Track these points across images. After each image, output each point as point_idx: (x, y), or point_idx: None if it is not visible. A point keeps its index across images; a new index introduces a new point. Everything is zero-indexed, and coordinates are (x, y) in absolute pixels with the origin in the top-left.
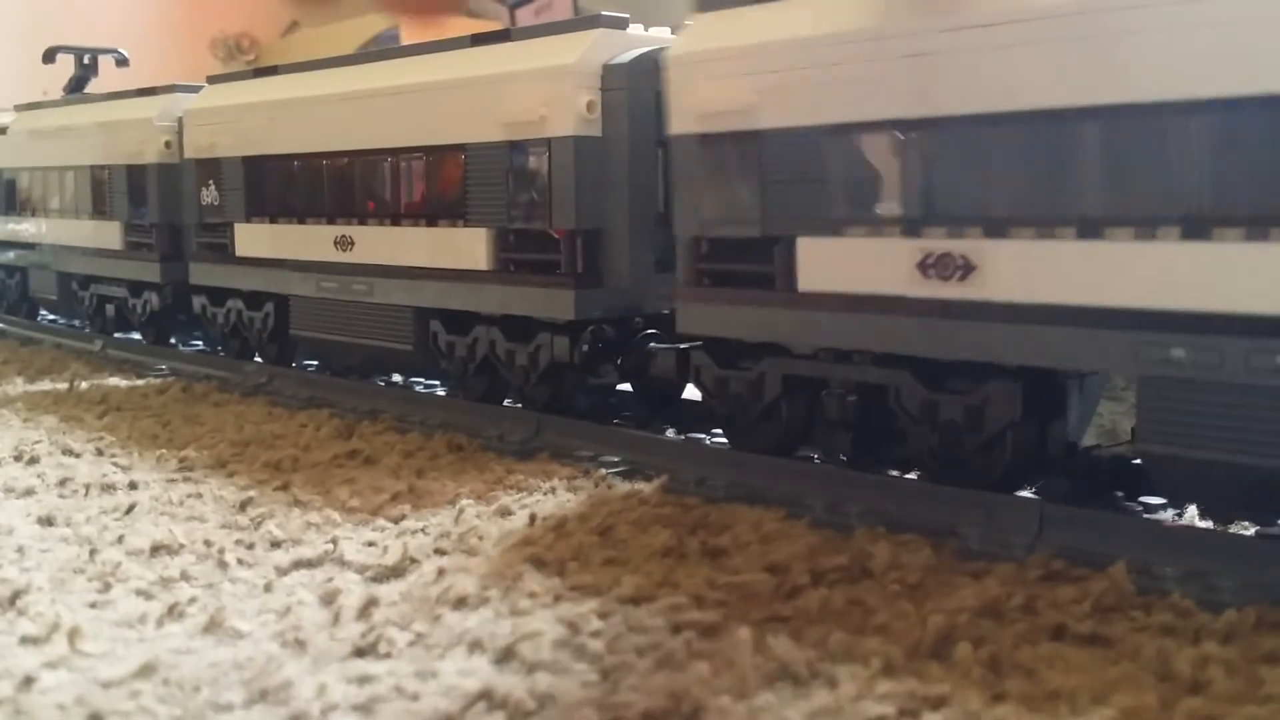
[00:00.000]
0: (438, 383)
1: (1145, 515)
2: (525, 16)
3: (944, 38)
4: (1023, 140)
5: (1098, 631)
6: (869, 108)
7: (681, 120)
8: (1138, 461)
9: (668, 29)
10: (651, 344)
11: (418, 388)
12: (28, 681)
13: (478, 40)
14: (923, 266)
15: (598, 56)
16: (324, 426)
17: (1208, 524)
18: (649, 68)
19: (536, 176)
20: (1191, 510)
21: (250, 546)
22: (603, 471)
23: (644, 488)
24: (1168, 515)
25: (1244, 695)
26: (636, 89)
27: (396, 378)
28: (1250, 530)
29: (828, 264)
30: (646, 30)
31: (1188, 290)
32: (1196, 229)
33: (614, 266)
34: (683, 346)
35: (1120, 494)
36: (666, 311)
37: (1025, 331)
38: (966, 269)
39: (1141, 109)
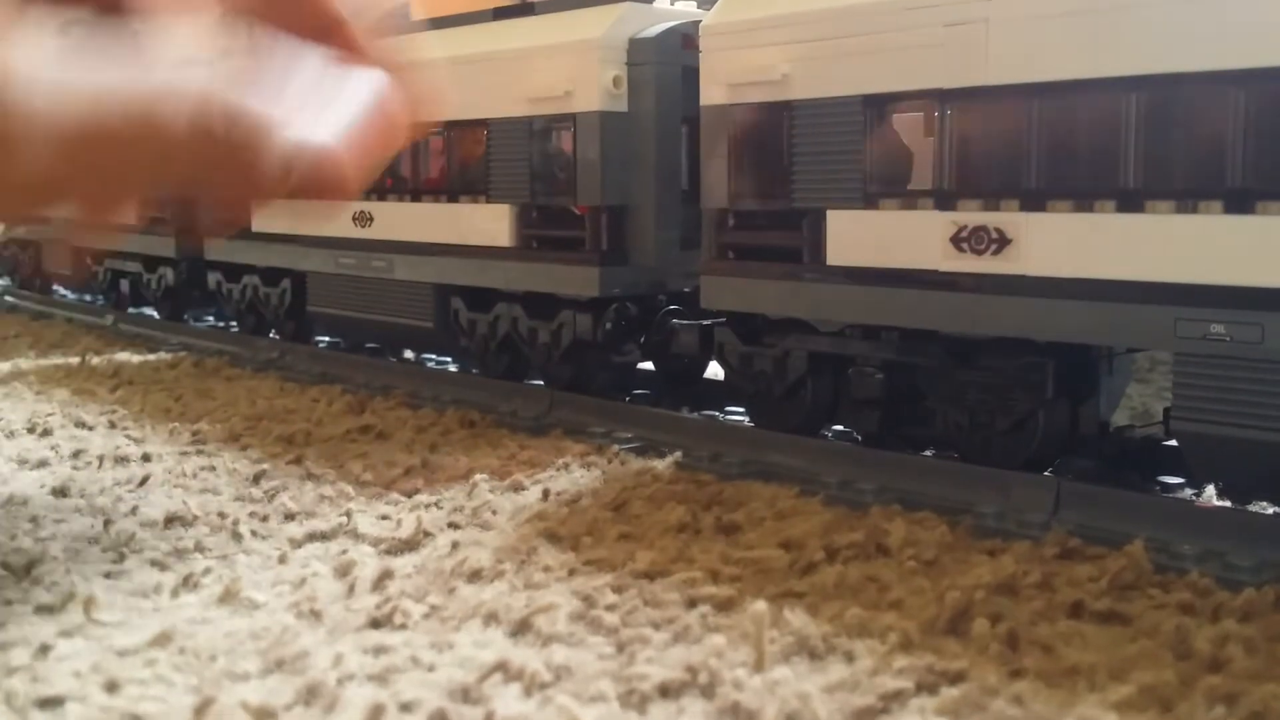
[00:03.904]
0: (449, 359)
1: (1163, 494)
2: None
3: (985, 6)
4: (1062, 111)
5: (1115, 609)
6: (905, 78)
7: (713, 91)
8: (1168, 443)
9: (694, 3)
10: (674, 320)
11: (430, 364)
12: (44, 649)
13: (500, 14)
14: (956, 240)
15: (624, 31)
16: (336, 402)
17: (1226, 503)
18: (676, 42)
19: (561, 152)
20: (1209, 489)
21: (264, 519)
22: (616, 448)
23: (658, 464)
24: (1186, 494)
25: (1263, 673)
26: (663, 64)
27: (408, 354)
28: (1268, 510)
29: (858, 237)
30: (673, 4)
31: (1229, 264)
32: (1239, 202)
33: (639, 243)
34: (706, 323)
35: (1138, 473)
36: (688, 290)
37: (1061, 307)
38: (1001, 242)
39: (1184, 79)
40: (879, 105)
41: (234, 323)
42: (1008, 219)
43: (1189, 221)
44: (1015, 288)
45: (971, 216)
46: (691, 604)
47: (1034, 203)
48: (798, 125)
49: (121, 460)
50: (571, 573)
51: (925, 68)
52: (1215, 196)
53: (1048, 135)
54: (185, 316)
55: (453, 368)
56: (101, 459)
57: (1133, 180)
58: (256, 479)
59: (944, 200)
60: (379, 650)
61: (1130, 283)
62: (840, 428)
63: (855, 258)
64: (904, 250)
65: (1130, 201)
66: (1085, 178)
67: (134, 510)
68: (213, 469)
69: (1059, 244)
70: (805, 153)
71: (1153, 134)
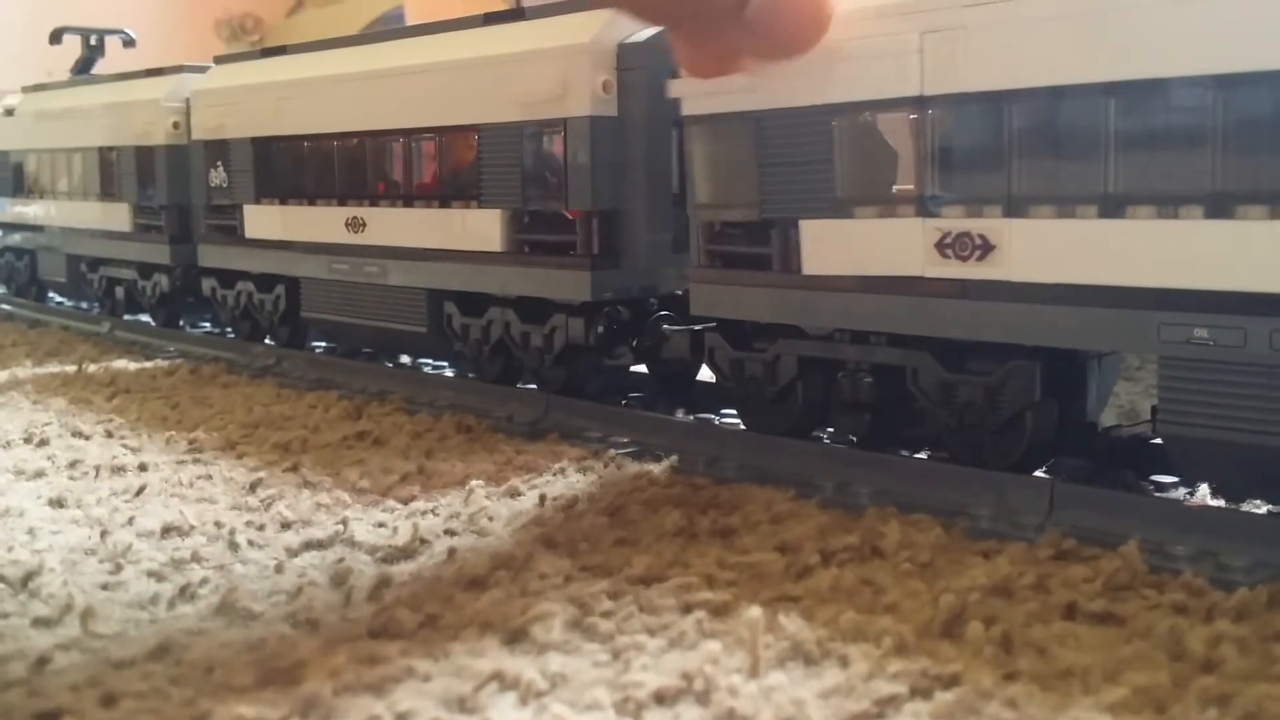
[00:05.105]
0: (446, 363)
1: (1157, 494)
2: None
3: (963, 13)
4: (1044, 117)
5: (1110, 610)
6: (883, 85)
7: (694, 101)
8: (1157, 441)
9: None
10: (665, 325)
11: (426, 369)
12: (41, 663)
13: (490, 19)
14: (940, 246)
15: (613, 35)
16: (332, 408)
17: (1220, 502)
18: (666, 47)
19: (552, 157)
20: (1203, 489)
21: (261, 528)
22: (612, 452)
23: (654, 468)
24: (1179, 494)
25: (1257, 673)
26: (653, 68)
27: (405, 359)
28: (1262, 508)
29: (836, 246)
30: None
31: (1211, 269)
32: (1220, 207)
33: (630, 247)
34: (697, 328)
35: (1131, 472)
36: (680, 293)
37: (1045, 312)
38: (985, 248)
39: (1164, 84)
40: (857, 113)
41: (229, 329)
42: (991, 225)
43: (1170, 226)
44: (999, 293)
45: (955, 223)
46: (687, 610)
47: (1017, 209)
48: (764, 135)
49: (118, 470)
50: (567, 579)
51: (906, 75)
52: (1196, 201)
53: (1030, 141)
54: (181, 323)
55: (449, 373)
56: (98, 469)
57: (1114, 186)
58: (253, 487)
59: (928, 207)
60: (375, 660)
61: (1113, 288)
62: (834, 431)
63: (835, 267)
64: (888, 257)
65: (1112, 207)
66: (1067, 183)
67: (131, 520)
68: (209, 478)
69: (1042, 249)
70: (777, 163)
71: (1132, 140)
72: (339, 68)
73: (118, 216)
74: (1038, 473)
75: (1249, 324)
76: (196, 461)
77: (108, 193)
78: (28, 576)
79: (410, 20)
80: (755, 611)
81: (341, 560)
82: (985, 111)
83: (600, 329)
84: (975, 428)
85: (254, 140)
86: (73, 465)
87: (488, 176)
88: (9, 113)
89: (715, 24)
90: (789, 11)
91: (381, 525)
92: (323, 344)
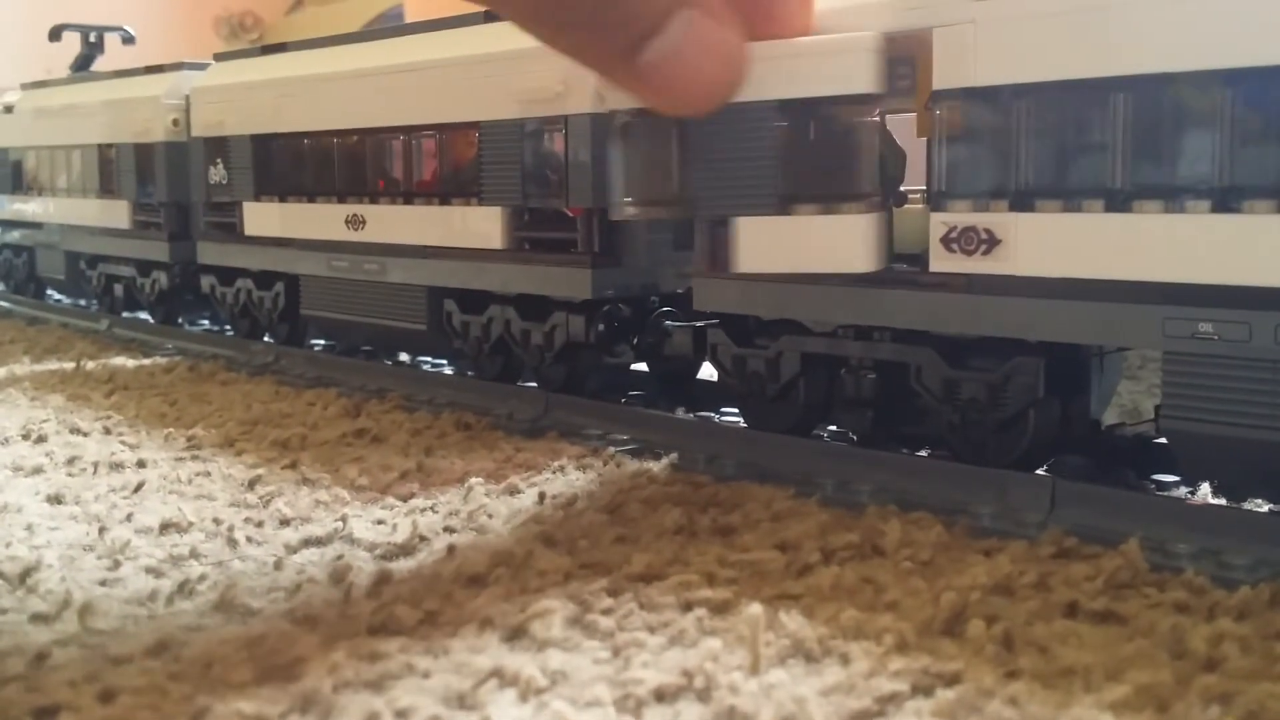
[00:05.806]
0: (445, 361)
1: (1158, 492)
2: None
3: (972, 7)
4: (1051, 111)
5: (1111, 608)
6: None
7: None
8: (1160, 440)
9: None
10: (667, 322)
11: (425, 366)
12: (39, 658)
13: (490, 16)
14: (946, 240)
15: None
16: (331, 405)
17: (1221, 501)
18: None
19: (552, 154)
20: (1205, 487)
21: (259, 524)
22: (612, 450)
23: (653, 466)
24: (1181, 492)
25: (1259, 672)
26: None
27: (404, 356)
28: (1263, 507)
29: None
30: None
31: (1217, 264)
32: (1226, 201)
33: (631, 245)
34: (699, 324)
35: (1133, 471)
36: (681, 291)
37: (1050, 306)
38: (991, 243)
39: (1170, 79)
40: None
41: (228, 326)
42: (997, 219)
43: (1176, 221)
44: (1005, 288)
45: (961, 217)
46: (687, 607)
47: (1023, 203)
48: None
49: (116, 467)
50: (567, 577)
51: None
52: (1202, 196)
53: (1037, 136)
54: (180, 320)
55: (448, 370)
56: (96, 465)
57: (1120, 180)
58: (252, 484)
59: (934, 202)
60: (375, 657)
61: (1119, 282)
62: (836, 428)
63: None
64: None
65: (1118, 201)
66: (1073, 178)
67: (129, 517)
68: (208, 474)
69: (1048, 244)
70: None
71: (1139, 135)
72: (339, 65)
73: (117, 213)
74: (1039, 471)
75: (1254, 319)
76: (195, 458)
77: (107, 190)
78: (26, 572)
79: (410, 17)
80: (756, 609)
81: (340, 557)
82: (993, 106)
83: (601, 327)
84: (977, 425)
85: (253, 137)
86: (71, 462)
87: (488, 174)
88: (8, 110)
89: (597, 51)
90: (690, 73)
91: (381, 522)
92: (322, 341)
